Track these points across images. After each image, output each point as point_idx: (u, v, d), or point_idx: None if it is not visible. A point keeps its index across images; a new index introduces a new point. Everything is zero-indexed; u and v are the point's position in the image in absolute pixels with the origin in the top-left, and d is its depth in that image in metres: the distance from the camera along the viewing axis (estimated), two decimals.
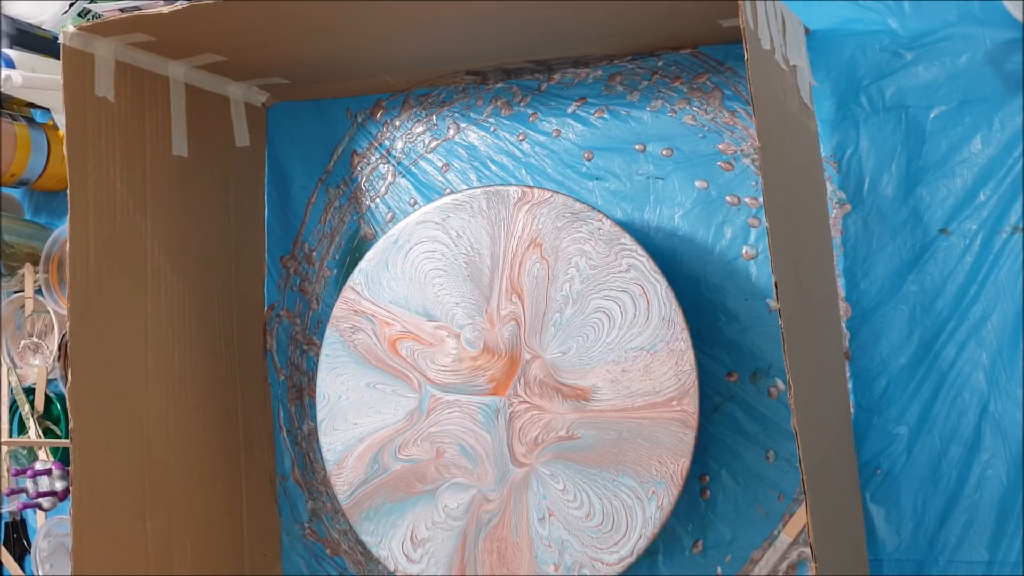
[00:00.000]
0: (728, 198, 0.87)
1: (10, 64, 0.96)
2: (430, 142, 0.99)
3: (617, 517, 0.80)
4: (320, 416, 0.91)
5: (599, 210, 0.83)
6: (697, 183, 0.88)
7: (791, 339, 0.64)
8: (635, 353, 0.80)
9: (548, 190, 0.85)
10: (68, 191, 0.82)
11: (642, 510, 0.79)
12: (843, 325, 0.83)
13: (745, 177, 0.86)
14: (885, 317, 0.81)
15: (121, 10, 0.84)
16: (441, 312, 0.87)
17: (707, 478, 0.86)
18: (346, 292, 0.91)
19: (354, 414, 0.90)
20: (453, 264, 0.87)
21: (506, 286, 0.85)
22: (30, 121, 1.11)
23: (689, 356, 0.79)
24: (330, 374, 0.91)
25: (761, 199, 0.86)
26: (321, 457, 0.92)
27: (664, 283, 0.80)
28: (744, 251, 0.86)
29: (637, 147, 0.90)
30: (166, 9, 0.80)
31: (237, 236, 1.01)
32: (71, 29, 0.83)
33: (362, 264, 0.90)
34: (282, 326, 1.04)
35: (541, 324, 0.84)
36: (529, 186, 0.86)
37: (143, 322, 0.89)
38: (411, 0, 0.79)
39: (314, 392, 0.97)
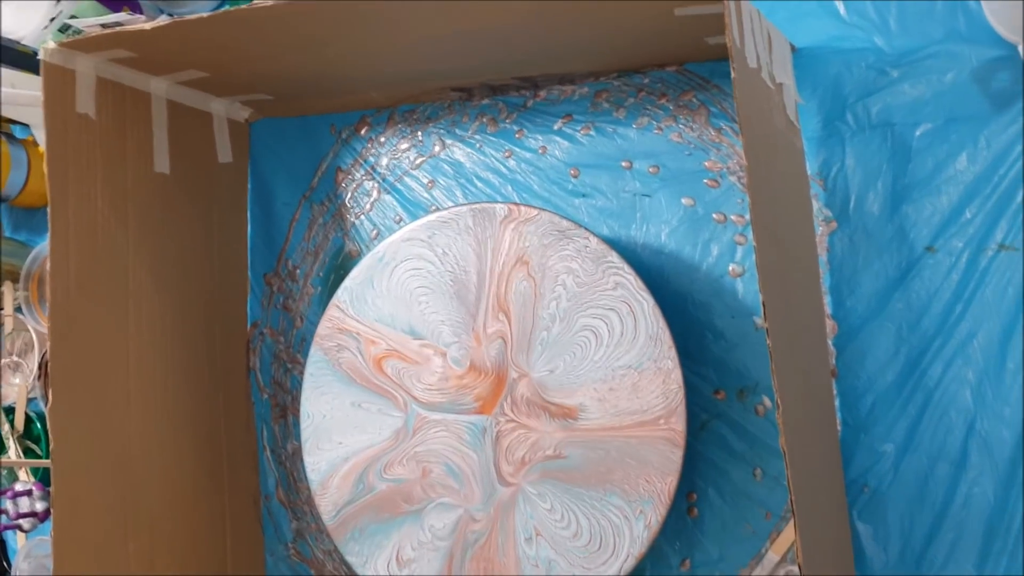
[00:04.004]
0: (715, 215, 0.87)
1: None
2: (415, 159, 0.98)
3: (605, 536, 0.79)
4: (304, 435, 0.90)
5: (586, 228, 0.83)
6: (684, 200, 0.88)
7: (778, 357, 0.64)
8: (622, 372, 0.80)
9: (535, 208, 0.84)
10: (48, 209, 0.81)
11: (629, 529, 0.79)
12: (830, 343, 0.83)
13: (731, 194, 0.86)
14: (871, 335, 0.81)
15: (103, 26, 0.83)
16: (427, 330, 0.86)
17: (694, 496, 0.86)
18: (331, 310, 0.90)
19: (339, 433, 0.89)
20: (439, 282, 0.86)
21: (493, 304, 0.85)
22: (9, 137, 1.10)
23: (676, 375, 0.79)
24: (314, 393, 0.90)
25: (747, 216, 0.86)
26: (305, 477, 0.92)
27: (651, 301, 0.80)
28: (731, 268, 0.86)
29: (623, 164, 0.90)
30: (148, 25, 0.79)
31: (220, 253, 1.00)
32: (52, 45, 0.82)
33: (347, 282, 0.90)
34: (265, 344, 1.03)
35: (528, 342, 0.83)
36: (516, 203, 0.85)
37: (125, 341, 0.88)
38: (396, 17, 0.78)
39: (298, 411, 0.96)
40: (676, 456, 0.78)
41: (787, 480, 0.63)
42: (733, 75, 0.65)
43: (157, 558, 0.89)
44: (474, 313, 0.85)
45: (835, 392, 0.82)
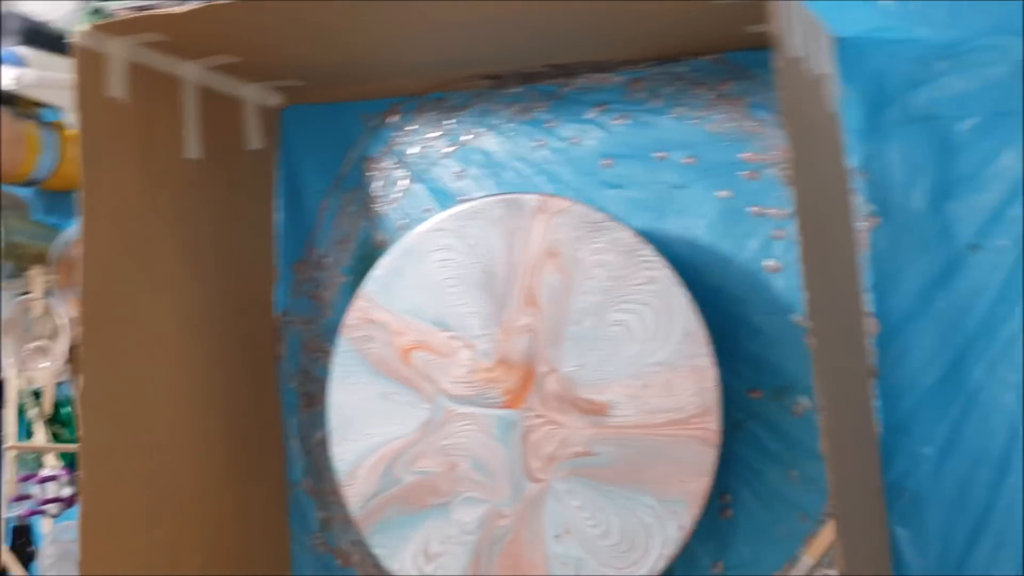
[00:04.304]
0: (752, 208, 0.85)
1: (20, 62, 0.94)
2: (445, 148, 0.97)
3: (635, 536, 0.78)
4: (331, 426, 0.89)
5: (618, 220, 0.81)
6: (720, 193, 0.86)
7: (819, 357, 0.62)
8: (655, 368, 0.78)
9: (567, 199, 0.83)
10: (82, 193, 0.80)
11: (661, 529, 0.77)
12: (870, 341, 0.81)
13: (770, 187, 0.84)
14: (913, 334, 0.79)
15: (135, 8, 0.82)
16: (455, 322, 0.85)
17: (728, 497, 0.84)
18: (358, 300, 0.89)
19: (366, 424, 0.88)
20: (468, 273, 0.85)
21: (522, 297, 0.83)
22: (39, 120, 1.09)
23: (711, 373, 0.77)
24: (342, 383, 0.89)
25: (786, 210, 0.84)
26: (332, 467, 0.91)
27: (686, 296, 0.78)
28: (768, 263, 0.84)
29: (658, 155, 0.88)
30: (180, 8, 0.78)
31: (249, 241, 0.99)
32: (83, 28, 0.81)
33: (375, 271, 0.88)
34: (293, 333, 1.02)
35: (558, 336, 0.82)
36: (547, 195, 0.84)
37: (154, 326, 0.87)
38: (428, 1, 0.77)
39: (325, 400, 0.95)
40: (710, 456, 0.77)
41: (828, 483, 0.61)
42: (775, 64, 0.63)
43: (183, 545, 0.89)
44: (503, 306, 0.84)
45: (875, 392, 0.80)
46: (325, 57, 0.90)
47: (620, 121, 0.90)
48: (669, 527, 0.77)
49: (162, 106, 0.89)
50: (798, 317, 0.83)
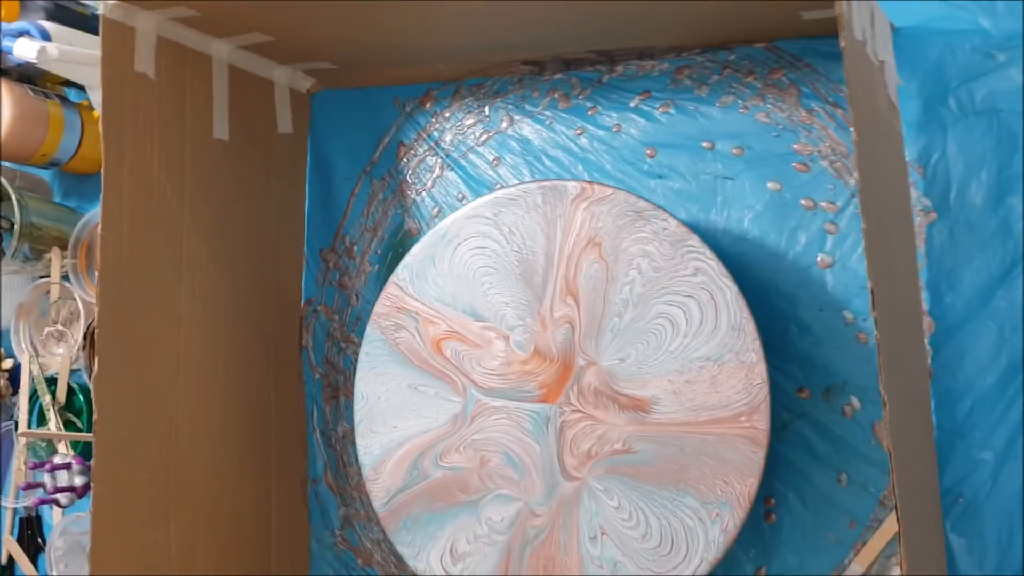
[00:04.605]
0: (803, 201, 0.82)
1: (46, 36, 0.91)
2: (481, 134, 0.94)
3: (676, 539, 0.74)
4: (358, 417, 0.86)
5: (664, 209, 0.78)
6: (769, 184, 0.82)
7: (887, 356, 0.59)
8: (700, 363, 0.75)
9: (609, 186, 0.79)
10: (103, 169, 0.77)
11: (704, 533, 0.74)
12: (926, 341, 0.77)
13: (822, 180, 0.81)
14: (971, 334, 0.76)
15: None
16: (490, 312, 0.82)
17: (773, 501, 0.81)
18: (389, 288, 0.86)
19: (394, 416, 0.84)
20: (504, 262, 0.82)
21: (561, 287, 0.80)
22: (64, 100, 1.07)
23: (760, 369, 0.73)
24: (370, 373, 0.86)
25: (839, 204, 0.80)
26: (356, 461, 0.87)
27: (734, 288, 0.75)
28: (819, 259, 0.81)
29: (704, 144, 0.85)
30: None
31: (277, 226, 0.96)
32: (112, 0, 0.79)
33: (407, 259, 0.85)
34: (319, 322, 0.99)
35: (598, 328, 0.78)
36: (589, 182, 0.80)
37: (176, 311, 0.84)
38: None
39: (351, 392, 0.91)
40: (758, 456, 0.73)
41: (892, 489, 0.58)
42: (842, 43, 0.60)
43: (199, 538, 0.85)
44: (540, 296, 0.80)
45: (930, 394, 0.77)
46: (359, 37, 0.87)
47: (665, 109, 0.86)
48: (713, 531, 0.73)
49: (191, 84, 0.86)
50: (850, 314, 0.79)
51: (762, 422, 0.73)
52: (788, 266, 0.81)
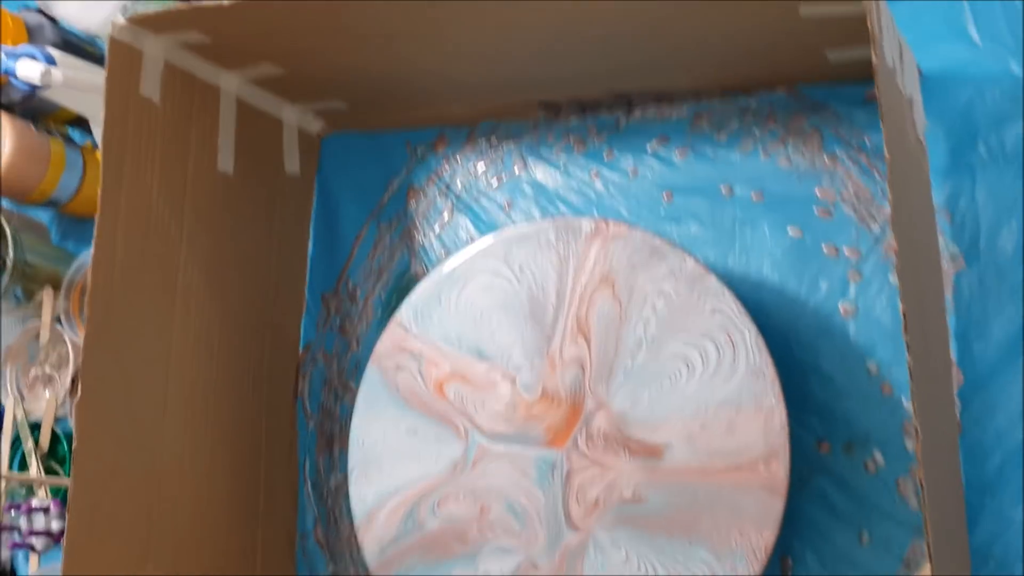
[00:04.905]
0: (824, 247, 0.78)
1: (51, 61, 0.89)
2: (493, 178, 0.91)
3: None
4: (352, 463, 0.81)
5: (682, 248, 0.75)
6: (790, 230, 0.79)
7: (921, 405, 0.55)
8: (717, 407, 0.71)
9: (625, 224, 0.77)
10: (100, 191, 0.74)
11: None
12: (955, 394, 0.73)
13: (845, 226, 0.78)
14: (1002, 386, 0.72)
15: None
16: (496, 352, 0.78)
17: (790, 560, 0.76)
18: (392, 327, 0.82)
19: (390, 463, 0.80)
20: (513, 301, 0.78)
21: (572, 326, 0.76)
22: (67, 140, 1.05)
23: (780, 414, 0.69)
24: (367, 417, 0.82)
25: (863, 250, 0.77)
26: (348, 515, 0.83)
27: (754, 330, 0.71)
28: (842, 307, 0.77)
29: (723, 189, 0.82)
30: (225, 2, 0.73)
31: (278, 267, 0.93)
32: (120, 21, 0.77)
33: (411, 298, 0.82)
34: (317, 368, 0.95)
35: (609, 370, 0.74)
36: (604, 219, 0.78)
37: (167, 345, 0.81)
38: (479, 17, 0.72)
39: (346, 442, 0.86)
40: (776, 506, 0.68)
41: (928, 550, 0.53)
42: (874, 60, 0.57)
43: None
44: (550, 336, 0.77)
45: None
46: (373, 72, 0.86)
47: (682, 155, 0.84)
48: None
49: (197, 115, 0.84)
50: (873, 365, 0.75)
51: (781, 470, 0.69)
52: (809, 314, 0.78)
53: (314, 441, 0.93)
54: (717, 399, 0.71)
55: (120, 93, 0.77)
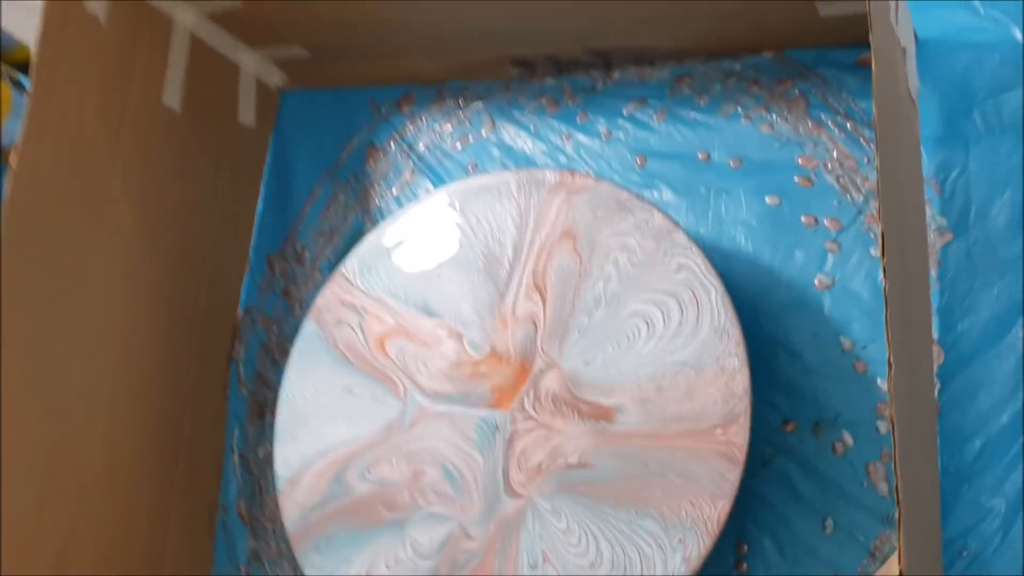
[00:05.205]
0: (803, 218, 0.73)
1: None
2: (459, 140, 0.86)
3: (630, 567, 0.62)
4: (280, 422, 0.75)
5: (650, 203, 0.69)
6: (768, 199, 0.74)
7: (899, 383, 0.49)
8: (676, 368, 0.65)
9: (592, 176, 0.71)
10: (27, 100, 0.69)
11: (663, 562, 0.62)
12: (934, 373, 0.67)
13: (826, 195, 0.73)
14: (985, 366, 0.66)
15: None
16: (444, 308, 0.72)
17: (745, 547, 0.69)
18: (335, 280, 0.76)
19: (321, 422, 0.74)
20: (468, 255, 0.73)
21: (527, 281, 0.70)
22: (17, 84, 1.00)
23: (743, 377, 0.63)
24: (300, 373, 0.75)
25: (843, 222, 0.72)
26: (275, 487, 0.76)
27: (720, 288, 0.65)
28: (817, 279, 0.72)
29: (700, 155, 0.77)
30: None
31: (221, 220, 0.87)
32: None
33: (359, 248, 0.76)
34: (255, 333, 0.88)
35: (564, 328, 0.69)
36: (571, 171, 0.72)
37: (87, 278, 0.74)
38: None
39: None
40: (732, 475, 0.62)
41: (898, 541, 0.47)
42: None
43: (76, 540, 0.73)
44: (503, 292, 0.71)
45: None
46: (334, 15, 0.80)
47: (660, 118, 0.79)
48: (674, 560, 0.62)
49: (147, 43, 0.79)
50: (848, 341, 0.69)
51: (739, 436, 0.62)
52: (782, 286, 0.72)
53: (245, 409, 0.87)
54: (677, 360, 0.65)
55: (61, 6, 0.72)
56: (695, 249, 0.67)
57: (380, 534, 0.69)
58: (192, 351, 0.84)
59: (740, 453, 0.62)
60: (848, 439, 0.68)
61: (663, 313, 0.66)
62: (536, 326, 0.69)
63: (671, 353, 0.65)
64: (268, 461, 0.84)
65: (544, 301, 0.70)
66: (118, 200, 0.76)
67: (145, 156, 0.78)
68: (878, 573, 0.65)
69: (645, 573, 0.62)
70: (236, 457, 0.86)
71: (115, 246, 0.76)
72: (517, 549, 0.65)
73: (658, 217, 0.68)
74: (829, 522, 0.67)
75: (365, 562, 0.69)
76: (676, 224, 0.68)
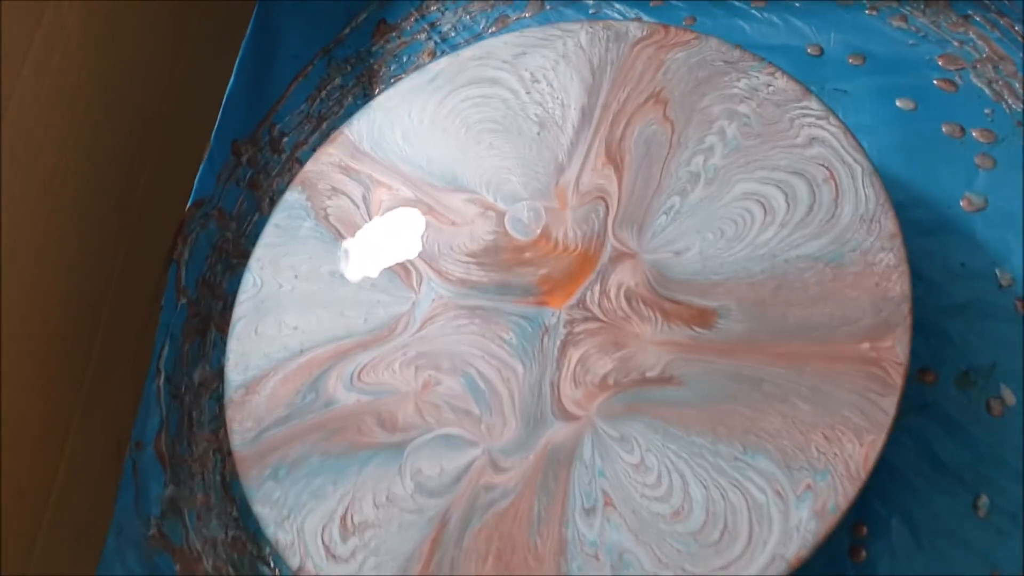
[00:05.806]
0: (944, 127, 0.58)
1: None
2: (497, 19, 0.69)
3: (735, 522, 0.44)
4: (238, 312, 0.56)
5: (771, 63, 0.53)
6: (899, 102, 0.59)
7: None
8: (803, 264, 0.48)
9: (692, 31, 0.55)
10: None
11: (783, 513, 0.44)
12: None
13: (975, 101, 0.58)
14: None
15: None
16: (480, 180, 0.55)
17: (865, 529, 0.51)
18: (335, 140, 0.58)
19: (296, 313, 0.55)
20: (517, 117, 0.56)
21: (598, 151, 0.53)
22: None
23: (902, 276, 0.47)
24: (271, 252, 0.57)
25: (998, 133, 0.57)
26: (208, 422, 0.57)
27: (867, 166, 0.49)
28: (966, 199, 0.56)
29: (810, 50, 0.62)
30: None
31: (182, 93, 0.68)
32: None
33: (370, 107, 0.59)
34: (206, 230, 0.69)
35: (646, 209, 0.51)
36: (664, 25, 0.56)
37: (28, 147, 0.55)
38: None
39: (227, 327, 0.60)
40: (887, 404, 0.45)
41: None
42: None
43: None
44: (565, 164, 0.54)
45: None
46: None
47: (759, 2, 0.64)
48: (799, 512, 0.44)
49: None
50: (1006, 275, 0.54)
51: (899, 353, 0.45)
52: (919, 204, 0.56)
53: (182, 322, 0.67)
54: (804, 253, 0.48)
55: None
56: (834, 119, 0.51)
57: (369, 460, 0.50)
58: (119, 240, 0.64)
59: (899, 376, 0.45)
60: (1009, 396, 0.51)
61: (786, 196, 0.49)
62: (607, 205, 0.52)
63: (796, 245, 0.48)
64: (205, 387, 0.64)
65: (620, 176, 0.53)
66: (70, 52, 0.58)
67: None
68: None
69: (754, 527, 0.44)
70: (161, 380, 0.65)
71: (65, 116, 0.57)
72: (567, 488, 0.47)
73: (782, 80, 0.52)
74: (983, 502, 0.50)
75: (343, 497, 0.50)
76: (807, 89, 0.52)
